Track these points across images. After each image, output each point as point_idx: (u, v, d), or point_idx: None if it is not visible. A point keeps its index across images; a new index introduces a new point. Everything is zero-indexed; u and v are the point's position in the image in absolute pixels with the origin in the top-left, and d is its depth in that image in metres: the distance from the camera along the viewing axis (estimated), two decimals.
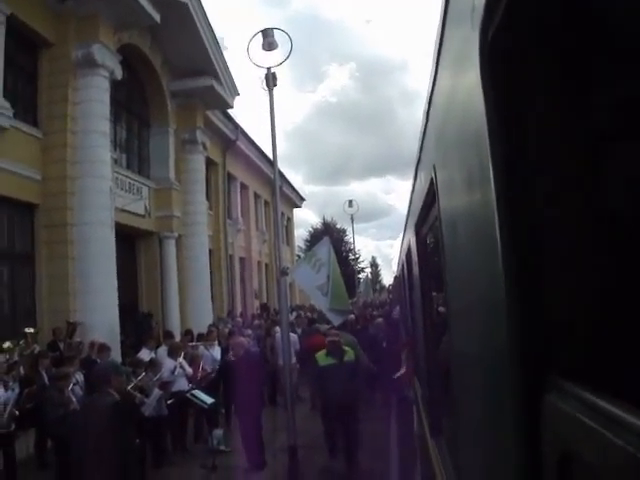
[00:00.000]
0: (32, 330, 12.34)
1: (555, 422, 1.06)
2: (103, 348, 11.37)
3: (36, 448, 10.30)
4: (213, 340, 14.05)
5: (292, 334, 14.73)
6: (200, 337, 14.95)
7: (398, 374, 10.24)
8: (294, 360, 13.63)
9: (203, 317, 20.70)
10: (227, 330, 17.15)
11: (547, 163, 1.19)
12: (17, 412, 9.12)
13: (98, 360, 10.96)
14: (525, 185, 1.19)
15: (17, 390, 9.29)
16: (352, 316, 15.77)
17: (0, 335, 12.15)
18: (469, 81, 1.40)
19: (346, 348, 9.91)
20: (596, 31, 1.12)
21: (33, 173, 14.21)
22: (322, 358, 9.74)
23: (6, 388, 9.17)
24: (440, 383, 3.67)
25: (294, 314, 21.97)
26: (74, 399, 8.97)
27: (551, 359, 1.14)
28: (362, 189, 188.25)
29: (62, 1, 14.92)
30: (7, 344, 11.03)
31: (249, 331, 16.71)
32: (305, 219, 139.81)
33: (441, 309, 3.37)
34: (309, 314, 22.87)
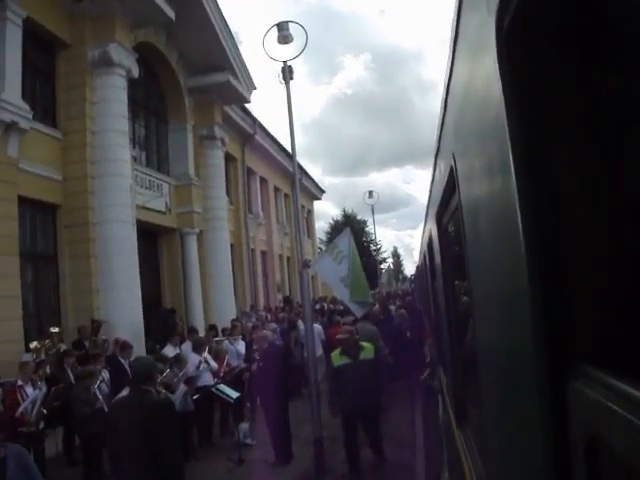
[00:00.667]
0: (57, 329, 12.46)
1: (582, 408, 1.05)
2: (125, 346, 11.43)
3: (64, 446, 10.41)
4: (237, 335, 14.10)
5: (317, 325, 14.78)
6: (224, 332, 15.01)
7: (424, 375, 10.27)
8: (320, 352, 13.65)
9: (226, 312, 20.83)
10: (250, 324, 17.21)
11: (567, 148, 1.18)
12: (45, 411, 9.23)
13: (120, 358, 11.04)
14: (545, 171, 1.18)
15: (44, 389, 9.40)
16: (376, 306, 15.70)
17: (26, 334, 12.32)
18: (486, 68, 1.38)
19: (364, 344, 9.13)
20: (615, 15, 1.10)
21: (54, 173, 14.32)
22: (336, 357, 9.02)
23: (34, 387, 9.28)
24: (465, 372, 3.65)
25: (317, 306, 22.01)
26: (100, 397, 9.06)
27: (576, 345, 1.13)
28: (381, 179, 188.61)
29: (77, 1, 15.00)
30: (34, 344, 11.16)
31: (273, 324, 16.76)
32: (325, 211, 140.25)
33: (464, 298, 3.34)
34: (331, 306, 22.86)
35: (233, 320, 17.25)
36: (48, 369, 10.41)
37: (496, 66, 1.26)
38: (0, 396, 8.65)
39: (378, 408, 9.09)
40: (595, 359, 1.06)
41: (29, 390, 9.21)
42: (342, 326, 10.30)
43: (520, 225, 1.20)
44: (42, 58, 14.95)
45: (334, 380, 9.02)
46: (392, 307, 18.88)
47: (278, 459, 9.62)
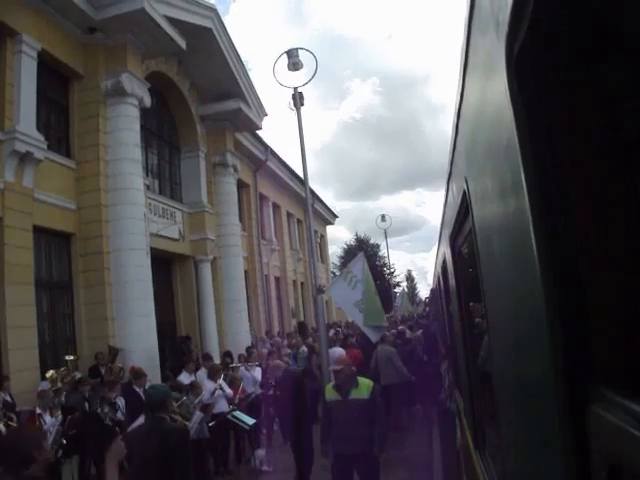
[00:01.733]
0: (72, 357, 12.49)
1: (602, 433, 1.04)
2: (139, 374, 11.38)
3: (80, 475, 10.37)
4: (253, 361, 14.05)
5: (336, 349, 14.72)
6: (240, 358, 14.96)
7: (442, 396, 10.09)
8: None
9: (241, 338, 20.83)
10: (266, 350, 17.17)
11: (579, 171, 1.18)
12: (64, 440, 9.22)
13: (135, 386, 11.01)
14: (558, 194, 1.18)
15: (60, 417, 9.39)
16: (393, 331, 15.65)
17: (42, 363, 12.34)
18: (497, 92, 1.39)
19: (360, 380, 7.56)
20: (623, 40, 1.11)
21: (68, 203, 14.44)
22: (329, 390, 7.66)
23: (52, 415, 9.28)
24: (482, 395, 3.63)
25: (332, 331, 21.96)
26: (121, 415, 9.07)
27: (595, 369, 1.12)
28: (393, 203, 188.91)
29: (90, 33, 15.22)
30: (50, 372, 11.18)
31: (288, 350, 16.71)
32: (338, 236, 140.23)
33: (480, 320, 3.33)
34: (345, 330, 22.82)
35: (248, 347, 17.22)
36: (64, 397, 10.41)
37: (506, 90, 1.27)
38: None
39: (372, 458, 7.43)
40: (615, 383, 1.06)
41: (48, 418, 9.21)
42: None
43: (535, 247, 1.21)
44: (56, 89, 15.15)
45: (325, 416, 7.78)
46: (406, 329, 18.83)
47: None
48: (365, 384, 7.49)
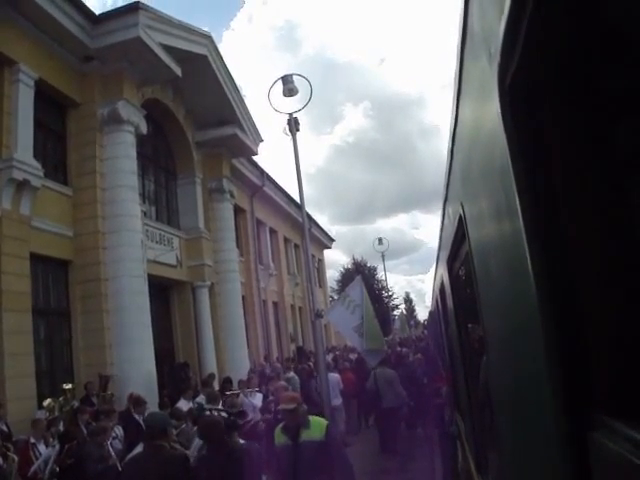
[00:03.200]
0: (70, 385, 12.38)
1: (602, 460, 1.03)
2: (139, 401, 11.31)
3: None
4: (253, 387, 13.96)
5: (334, 374, 14.68)
6: (239, 384, 14.85)
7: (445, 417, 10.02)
8: (340, 401, 13.55)
9: (240, 364, 20.73)
10: (267, 372, 17.06)
11: (573, 194, 1.19)
12: (57, 468, 9.12)
13: (134, 414, 10.94)
14: (553, 217, 1.19)
15: (57, 447, 9.30)
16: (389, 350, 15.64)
17: (39, 391, 12.26)
18: (490, 119, 1.41)
19: (313, 420, 6.36)
20: (615, 64, 1.12)
21: (65, 230, 14.44)
22: (278, 434, 6.35)
23: (47, 444, 9.19)
24: (483, 417, 3.61)
25: (330, 355, 21.91)
26: (113, 453, 8.96)
27: (595, 396, 1.12)
28: (389, 226, 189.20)
29: (87, 61, 15.34)
30: (47, 401, 11.08)
31: (291, 373, 16.61)
32: (335, 259, 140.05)
33: (478, 343, 3.33)
34: (339, 353, 22.77)
35: (249, 372, 17.14)
36: (61, 426, 10.32)
37: (499, 117, 1.28)
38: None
39: None
40: (615, 410, 1.05)
41: (42, 448, 9.12)
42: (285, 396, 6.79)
43: (530, 270, 1.21)
44: (53, 117, 15.23)
45: (274, 464, 6.46)
46: (406, 350, 18.82)
47: None
48: (317, 423, 6.32)
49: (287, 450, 6.04)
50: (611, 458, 0.99)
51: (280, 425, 6.43)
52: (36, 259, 13.22)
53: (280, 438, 6.21)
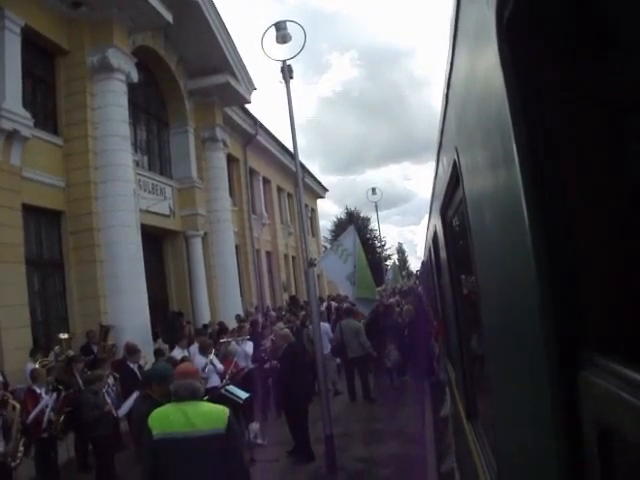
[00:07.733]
0: (66, 335, 12.47)
1: (592, 398, 1.05)
2: (133, 350, 11.40)
3: (76, 451, 10.40)
4: (244, 335, 14.05)
5: (325, 323, 14.81)
6: (232, 332, 14.95)
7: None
8: (328, 350, 13.70)
9: (233, 312, 20.83)
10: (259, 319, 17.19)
11: (570, 139, 1.18)
12: (60, 417, 9.23)
13: (129, 362, 11.04)
14: (549, 162, 1.18)
15: (55, 395, 9.39)
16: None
17: (35, 342, 12.34)
18: (488, 62, 1.38)
19: (212, 407, 4.83)
20: (616, 7, 1.10)
21: (57, 180, 14.37)
22: (158, 420, 4.60)
23: (46, 393, 9.27)
24: (474, 366, 3.65)
25: (324, 304, 22.01)
26: (109, 400, 9.09)
27: (585, 335, 1.13)
28: (380, 177, 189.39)
29: (75, 8, 15.02)
30: (40, 360, 11.04)
31: (281, 324, 16.72)
32: (326, 210, 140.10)
33: (471, 291, 3.34)
34: (335, 303, 22.83)
35: (240, 320, 17.25)
36: (56, 376, 10.40)
37: (497, 59, 1.26)
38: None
39: None
40: (605, 348, 1.06)
41: (44, 396, 9.21)
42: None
43: (526, 216, 1.20)
44: (42, 66, 14.99)
45: (148, 462, 4.58)
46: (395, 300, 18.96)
47: (302, 458, 9.46)
48: (215, 410, 4.75)
49: (174, 443, 4.44)
50: (600, 395, 1.00)
51: (165, 406, 4.77)
52: (28, 210, 13.17)
53: (161, 426, 4.56)
